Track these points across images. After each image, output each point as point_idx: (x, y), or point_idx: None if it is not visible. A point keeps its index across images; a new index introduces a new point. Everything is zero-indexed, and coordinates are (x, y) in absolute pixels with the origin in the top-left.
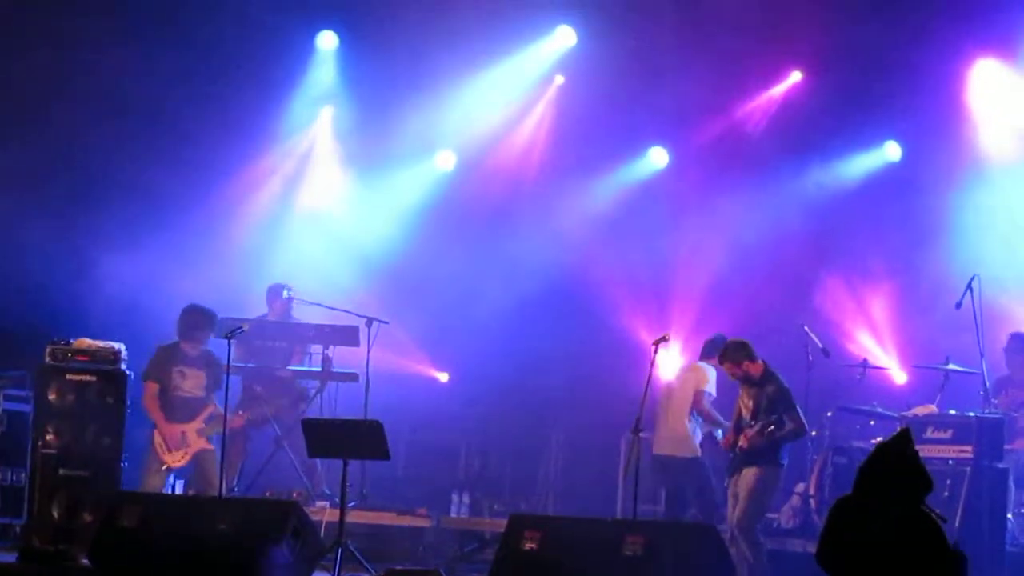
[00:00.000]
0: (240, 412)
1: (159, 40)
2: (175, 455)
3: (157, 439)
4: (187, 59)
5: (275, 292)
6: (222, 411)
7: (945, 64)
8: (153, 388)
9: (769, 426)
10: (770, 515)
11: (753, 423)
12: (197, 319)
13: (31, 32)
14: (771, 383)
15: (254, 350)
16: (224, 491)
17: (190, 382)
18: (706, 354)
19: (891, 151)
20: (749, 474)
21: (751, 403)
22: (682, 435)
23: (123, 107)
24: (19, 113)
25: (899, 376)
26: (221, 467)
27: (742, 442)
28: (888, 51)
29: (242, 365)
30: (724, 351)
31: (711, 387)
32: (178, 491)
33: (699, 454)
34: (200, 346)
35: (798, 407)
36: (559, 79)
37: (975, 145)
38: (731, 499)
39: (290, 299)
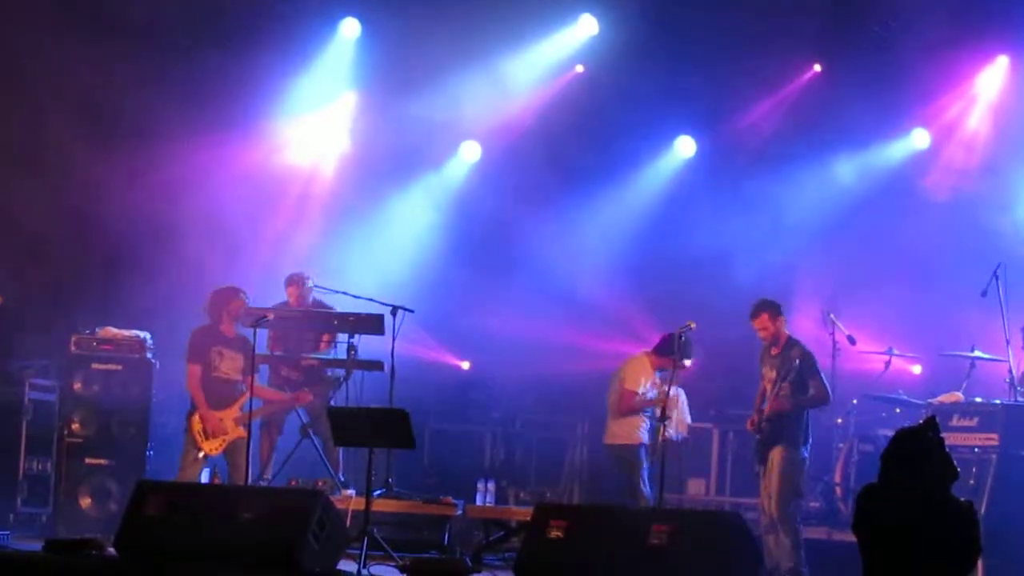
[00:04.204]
0: (306, 389)
1: (173, 28)
2: (213, 443)
3: (196, 426)
4: (207, 46)
5: (292, 281)
6: (255, 398)
7: (966, 57)
8: (197, 371)
9: (791, 384)
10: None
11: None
12: (229, 295)
13: (47, 16)
14: (795, 347)
15: (279, 338)
16: (255, 482)
17: (228, 363)
18: (656, 350)
19: (919, 139)
20: (775, 456)
21: (774, 372)
22: (615, 423)
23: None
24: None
25: (922, 365)
26: (248, 453)
27: (767, 407)
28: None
29: (269, 354)
30: (764, 303)
31: (633, 384)
32: (203, 480)
33: (637, 441)
34: (235, 324)
35: (823, 375)
36: (579, 68)
37: (996, 134)
38: (763, 487)
39: (310, 288)
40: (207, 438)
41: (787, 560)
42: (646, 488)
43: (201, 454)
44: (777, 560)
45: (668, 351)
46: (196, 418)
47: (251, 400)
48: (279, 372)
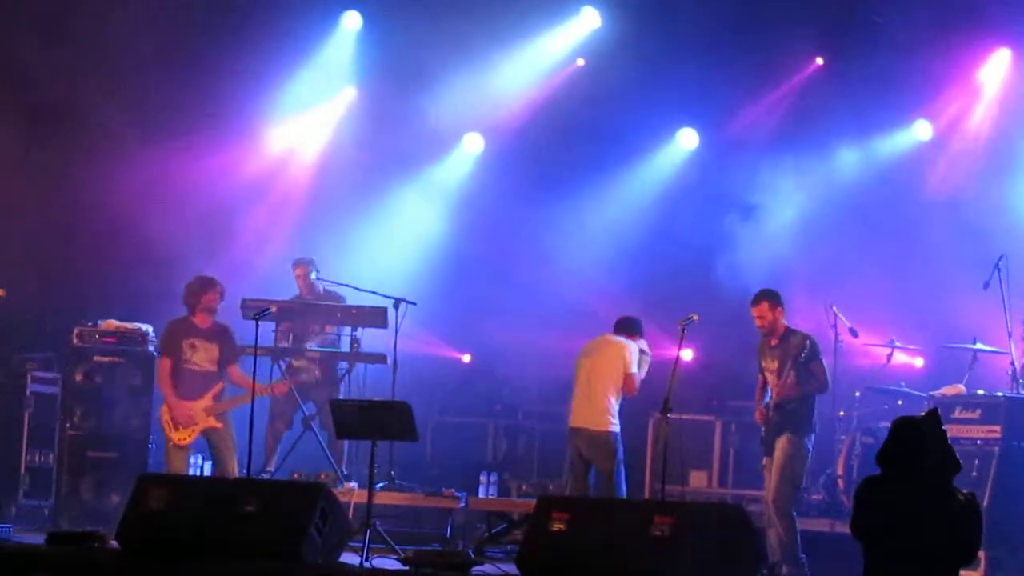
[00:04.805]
0: (284, 379)
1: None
2: (182, 433)
3: (164, 416)
4: (207, 41)
5: (298, 264)
6: (235, 387)
7: (968, 49)
8: (167, 364)
9: (797, 369)
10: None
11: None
12: (203, 286)
13: (44, 16)
14: (795, 336)
15: (285, 330)
16: (258, 474)
17: (201, 355)
18: (622, 331)
19: (921, 130)
20: (780, 443)
21: (776, 363)
22: (603, 408)
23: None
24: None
25: (923, 358)
26: (250, 446)
27: (774, 395)
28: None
29: (272, 346)
30: (766, 291)
31: (635, 366)
32: (206, 472)
33: (618, 428)
34: (211, 316)
35: (825, 364)
36: (580, 62)
37: (998, 127)
38: (766, 477)
39: (317, 277)
40: (175, 428)
41: (783, 549)
42: (623, 483)
43: (171, 444)
44: (779, 554)
45: (636, 331)
46: (164, 408)
47: (252, 393)
48: (291, 364)
